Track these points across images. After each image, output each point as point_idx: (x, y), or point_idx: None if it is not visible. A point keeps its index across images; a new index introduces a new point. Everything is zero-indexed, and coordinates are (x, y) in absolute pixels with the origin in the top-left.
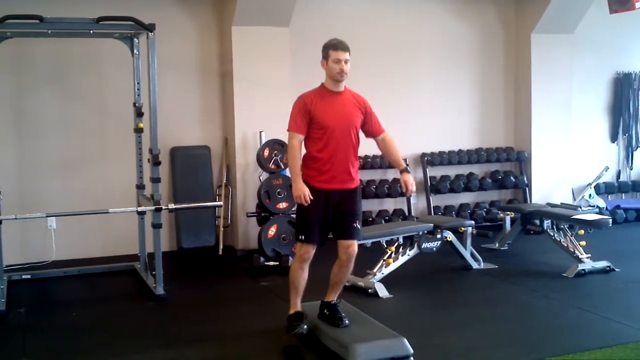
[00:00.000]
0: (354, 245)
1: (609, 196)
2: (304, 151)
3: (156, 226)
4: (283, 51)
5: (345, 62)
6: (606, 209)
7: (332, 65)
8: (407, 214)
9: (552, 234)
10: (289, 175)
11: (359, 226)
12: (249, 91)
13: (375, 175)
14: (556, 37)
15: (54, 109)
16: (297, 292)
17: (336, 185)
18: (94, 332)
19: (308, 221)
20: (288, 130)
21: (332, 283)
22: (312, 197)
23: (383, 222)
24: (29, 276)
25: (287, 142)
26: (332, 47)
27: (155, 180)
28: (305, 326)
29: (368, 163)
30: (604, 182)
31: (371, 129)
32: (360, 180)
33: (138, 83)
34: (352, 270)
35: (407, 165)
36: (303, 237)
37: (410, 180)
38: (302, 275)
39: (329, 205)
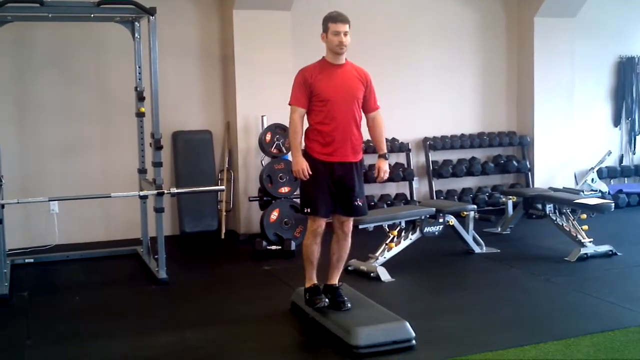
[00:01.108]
0: (349, 221)
1: (612, 180)
2: (306, 124)
3: (158, 210)
4: (284, 35)
5: (345, 34)
6: (608, 193)
7: (332, 37)
8: (409, 198)
9: (554, 218)
10: (291, 160)
11: (360, 203)
12: (250, 75)
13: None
14: (559, 21)
15: (56, 93)
16: (313, 265)
17: (338, 158)
18: (97, 316)
19: (312, 194)
20: (289, 104)
21: (334, 261)
22: (310, 172)
23: (385, 206)
24: (32, 260)
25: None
26: (332, 19)
27: (157, 164)
28: (326, 299)
29: (370, 148)
30: (606, 167)
31: (367, 103)
32: (364, 165)
33: (139, 67)
34: (355, 255)
35: (387, 153)
36: (308, 209)
37: (385, 168)
38: (316, 249)
39: (332, 177)
